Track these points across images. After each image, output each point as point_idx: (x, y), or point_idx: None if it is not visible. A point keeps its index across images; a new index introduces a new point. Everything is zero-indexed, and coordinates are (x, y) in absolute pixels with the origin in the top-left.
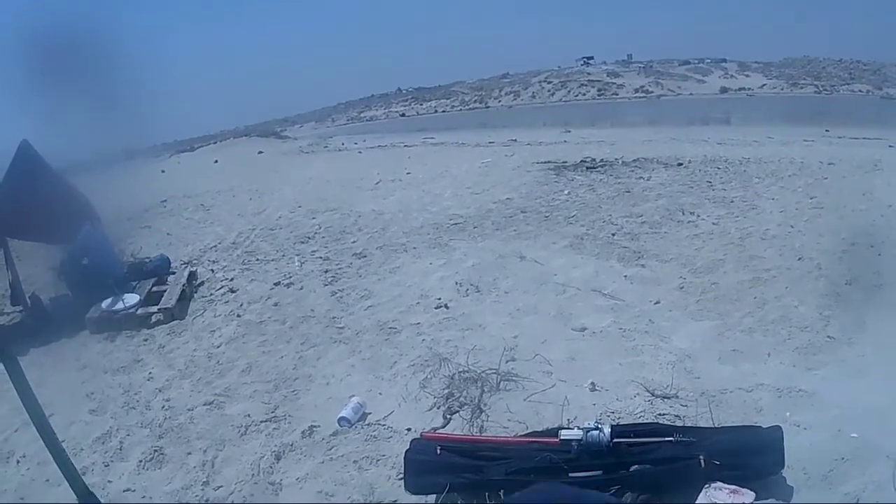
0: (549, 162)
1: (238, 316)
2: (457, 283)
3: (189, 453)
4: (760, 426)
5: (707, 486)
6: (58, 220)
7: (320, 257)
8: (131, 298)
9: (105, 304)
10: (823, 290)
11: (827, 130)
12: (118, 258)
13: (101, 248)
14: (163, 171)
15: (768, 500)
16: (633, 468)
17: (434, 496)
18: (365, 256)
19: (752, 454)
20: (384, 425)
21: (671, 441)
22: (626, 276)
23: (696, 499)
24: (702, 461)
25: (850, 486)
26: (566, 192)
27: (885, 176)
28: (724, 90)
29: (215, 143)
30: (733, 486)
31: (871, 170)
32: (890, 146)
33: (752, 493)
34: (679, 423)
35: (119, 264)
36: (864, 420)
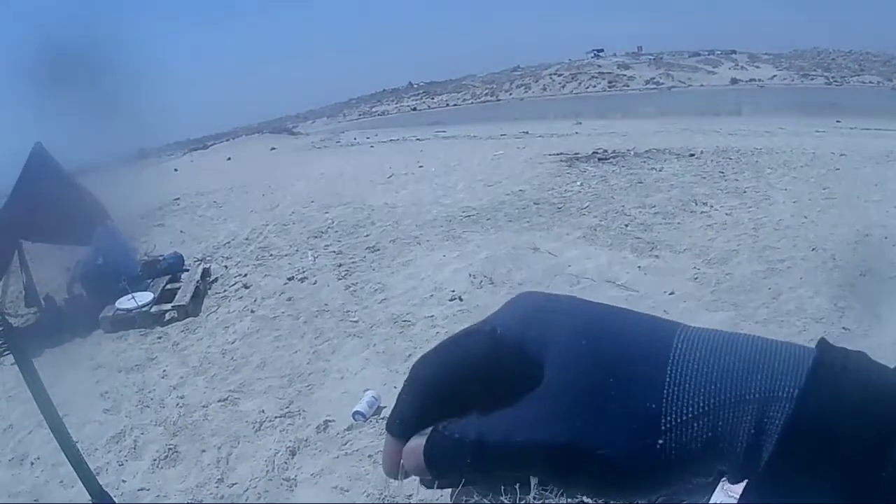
0: (561, 154)
1: (252, 311)
2: (470, 276)
3: (203, 451)
4: None
5: (724, 479)
6: (71, 221)
7: (333, 251)
8: (144, 297)
9: (119, 302)
10: (838, 281)
11: (838, 121)
12: (133, 257)
13: (116, 248)
14: (176, 170)
15: None
16: None
17: (450, 490)
18: (378, 250)
19: None
20: None
21: None
22: (639, 267)
23: (713, 493)
24: None
25: None
26: (579, 183)
27: None
28: (734, 81)
29: (229, 140)
30: None
31: (884, 161)
32: None
33: None
34: None
35: (134, 263)
36: None
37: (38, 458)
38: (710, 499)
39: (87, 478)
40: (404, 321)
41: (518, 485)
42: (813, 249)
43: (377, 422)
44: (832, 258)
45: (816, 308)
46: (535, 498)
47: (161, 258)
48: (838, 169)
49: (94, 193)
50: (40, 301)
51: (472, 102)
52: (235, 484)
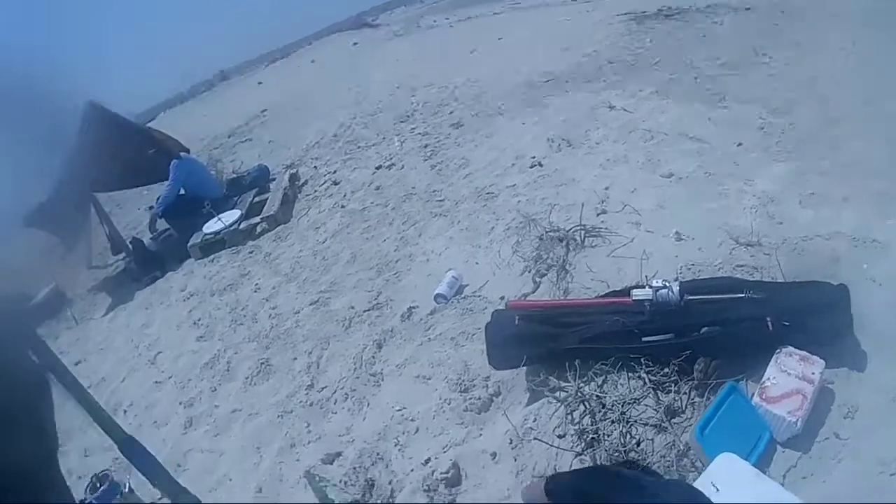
0: (628, 13)
1: (342, 207)
2: (548, 140)
3: (294, 358)
4: (829, 283)
5: (778, 351)
6: (142, 163)
7: (419, 133)
8: (231, 215)
9: (206, 227)
10: (894, 136)
11: None
12: (215, 180)
13: (195, 175)
14: (260, 83)
15: (841, 369)
16: (703, 330)
17: (524, 369)
18: (462, 125)
19: (819, 314)
20: (479, 296)
21: (742, 298)
22: (709, 119)
23: (767, 365)
24: (769, 324)
25: None
26: (648, 40)
27: None
28: None
29: (309, 44)
30: (803, 353)
31: None
32: None
33: (822, 361)
34: (756, 277)
35: (216, 185)
36: None
37: (131, 405)
38: (764, 374)
39: (110, 427)
40: (488, 193)
41: (578, 361)
42: (866, 103)
43: (458, 302)
44: (886, 112)
45: (874, 162)
46: (595, 374)
47: (246, 173)
48: None
49: (165, 131)
50: (127, 246)
51: None
52: (325, 387)
